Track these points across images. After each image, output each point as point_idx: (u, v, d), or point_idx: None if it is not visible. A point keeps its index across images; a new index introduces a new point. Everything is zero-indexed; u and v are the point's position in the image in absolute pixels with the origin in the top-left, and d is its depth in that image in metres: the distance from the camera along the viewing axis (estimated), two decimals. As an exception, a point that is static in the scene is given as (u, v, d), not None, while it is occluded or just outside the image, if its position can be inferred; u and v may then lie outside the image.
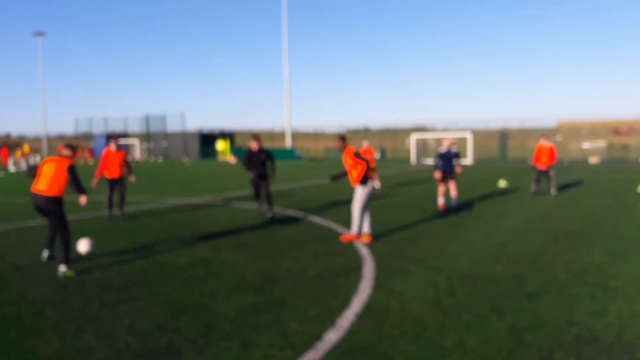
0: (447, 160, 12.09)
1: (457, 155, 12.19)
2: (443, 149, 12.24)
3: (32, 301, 5.31)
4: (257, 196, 11.31)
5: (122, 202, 11.07)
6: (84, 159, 44.12)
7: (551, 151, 14.44)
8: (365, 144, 16.64)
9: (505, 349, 4.00)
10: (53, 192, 6.45)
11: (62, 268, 6.33)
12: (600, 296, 5.27)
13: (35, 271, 6.54)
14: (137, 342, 4.18)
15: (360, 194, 8.09)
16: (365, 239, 8.15)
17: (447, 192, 13.20)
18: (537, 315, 4.72)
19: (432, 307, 5.00)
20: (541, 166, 14.53)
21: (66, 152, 6.91)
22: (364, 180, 8.08)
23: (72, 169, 6.54)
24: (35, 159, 52.04)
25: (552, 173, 14.60)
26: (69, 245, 6.46)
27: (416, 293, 5.45)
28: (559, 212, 11.30)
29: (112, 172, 10.79)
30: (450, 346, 4.05)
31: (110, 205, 10.75)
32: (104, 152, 10.87)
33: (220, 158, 52.13)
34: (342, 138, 8.37)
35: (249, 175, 11.22)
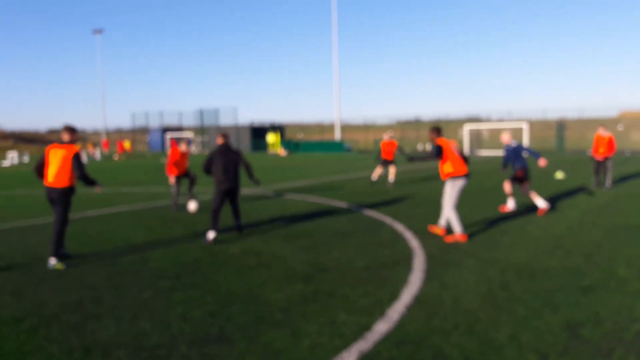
0: (518, 156, 10.17)
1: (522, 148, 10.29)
2: (513, 142, 10.34)
3: (92, 287, 5.57)
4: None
5: (192, 187, 11.39)
6: (118, 155, 44.82)
7: (610, 141, 13.80)
8: (386, 137, 16.08)
9: (560, 344, 3.87)
10: (62, 183, 6.34)
11: (52, 261, 6.31)
12: (666, 293, 4.99)
13: (95, 258, 6.86)
14: (190, 329, 4.32)
15: (449, 189, 7.62)
16: (458, 236, 7.51)
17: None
18: (594, 311, 4.53)
19: (485, 300, 4.89)
20: (599, 157, 13.92)
21: (66, 136, 6.51)
22: (456, 176, 7.53)
23: (77, 157, 6.35)
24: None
25: (609, 164, 13.97)
26: (62, 239, 6.38)
27: (468, 286, 5.34)
28: (618, 205, 10.76)
29: (181, 170, 11.18)
30: (504, 340, 3.96)
31: (176, 199, 11.11)
32: (171, 151, 11.20)
33: (271, 150, 52.93)
34: (436, 129, 7.87)
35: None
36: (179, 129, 64.76)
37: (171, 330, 4.29)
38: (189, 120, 63.01)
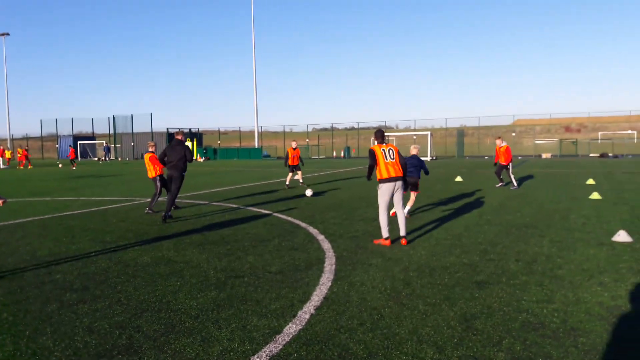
0: (417, 168, 10.46)
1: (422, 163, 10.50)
2: (415, 156, 10.56)
3: (-12, 304, 5.21)
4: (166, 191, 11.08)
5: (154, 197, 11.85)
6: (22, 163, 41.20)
7: (506, 150, 16.08)
8: (293, 144, 17.86)
9: (456, 336, 4.21)
10: None
11: None
12: (548, 284, 5.57)
13: (-10, 274, 6.40)
14: (96, 341, 4.19)
15: (378, 193, 7.81)
16: (382, 240, 7.67)
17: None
18: (487, 304, 4.96)
19: (390, 297, 5.18)
20: (501, 162, 16.19)
21: None
22: (381, 180, 7.65)
23: None
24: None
25: (509, 168, 16.11)
26: None
27: (375, 284, 5.63)
28: (512, 205, 11.76)
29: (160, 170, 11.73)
30: (406, 335, 4.24)
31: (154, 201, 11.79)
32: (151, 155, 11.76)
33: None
34: (375, 134, 7.97)
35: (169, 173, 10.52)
36: (92, 137, 61.57)
37: (75, 345, 4.14)
38: (102, 128, 60.34)
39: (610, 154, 38.77)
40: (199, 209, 12.04)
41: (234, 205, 12.65)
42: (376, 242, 7.81)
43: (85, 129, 62.46)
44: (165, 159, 10.48)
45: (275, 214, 11.00)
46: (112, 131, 58.97)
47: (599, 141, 55.85)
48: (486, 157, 40.18)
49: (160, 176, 11.64)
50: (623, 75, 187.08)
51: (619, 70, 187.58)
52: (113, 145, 57.31)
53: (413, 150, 10.69)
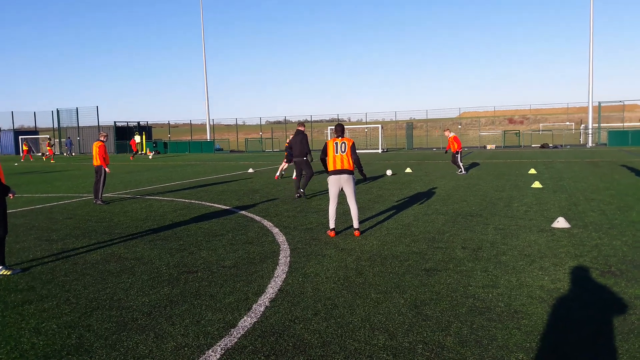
0: None
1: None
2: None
3: None
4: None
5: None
6: None
7: (454, 139, 17.65)
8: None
9: (407, 322, 4.36)
10: None
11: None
12: (492, 270, 5.84)
13: None
14: (43, 342, 4.07)
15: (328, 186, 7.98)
16: (328, 232, 7.93)
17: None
18: (436, 290, 5.16)
19: (343, 287, 5.29)
20: (452, 150, 17.79)
21: None
22: (329, 172, 7.84)
23: None
24: None
25: (457, 156, 17.68)
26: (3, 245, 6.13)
27: (328, 275, 5.73)
28: (459, 195, 12.18)
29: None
30: (359, 323, 4.35)
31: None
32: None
33: (139, 152, 50.30)
34: (335, 128, 8.03)
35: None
36: (34, 130, 58.68)
37: (21, 346, 4.01)
38: (46, 122, 57.62)
39: (551, 145, 40.67)
40: (150, 205, 11.78)
41: (186, 200, 12.46)
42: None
43: (27, 123, 59.20)
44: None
45: (229, 208, 10.92)
46: (56, 125, 56.45)
47: (540, 132, 58.42)
48: (434, 149, 41.24)
49: (101, 167, 12.22)
50: (562, 70, 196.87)
51: (559, 66, 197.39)
52: (70, 139, 54.85)
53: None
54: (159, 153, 49.22)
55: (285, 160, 16.88)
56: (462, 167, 17.68)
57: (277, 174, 17.98)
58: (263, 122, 57.30)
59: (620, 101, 43.26)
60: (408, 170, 19.40)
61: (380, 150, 41.30)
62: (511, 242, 7.13)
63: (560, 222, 8.10)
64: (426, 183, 14.94)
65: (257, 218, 9.58)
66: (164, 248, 7.28)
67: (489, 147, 41.04)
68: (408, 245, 7.10)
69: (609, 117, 61.19)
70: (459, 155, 17.74)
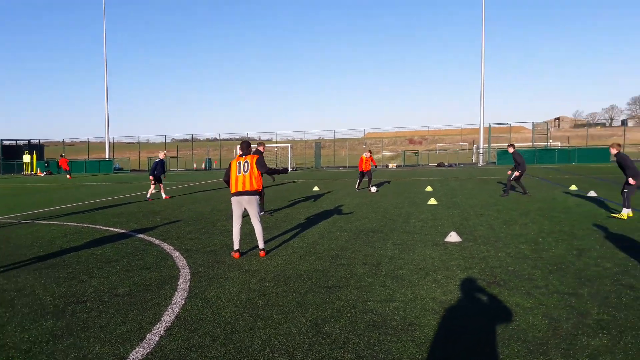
0: None
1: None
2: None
3: None
4: None
5: None
6: None
7: (368, 160, 18.70)
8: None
9: (307, 341, 4.36)
10: None
11: None
12: (390, 284, 6.04)
13: None
14: None
15: None
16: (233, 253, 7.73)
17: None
18: (336, 307, 5.23)
19: (245, 310, 5.19)
20: (364, 170, 18.65)
21: None
22: (231, 194, 7.71)
23: None
24: None
25: (369, 175, 18.74)
26: None
27: (230, 298, 5.59)
28: (362, 212, 12.56)
29: None
30: (259, 346, 4.28)
31: None
32: None
33: (27, 172, 46.41)
34: (241, 144, 7.87)
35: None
36: None
37: None
38: None
39: (446, 164, 43.38)
40: (37, 230, 10.85)
41: (78, 224, 11.64)
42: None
43: None
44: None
45: (125, 232, 10.35)
46: None
47: (437, 152, 62.22)
48: (341, 168, 42.33)
49: None
50: (457, 94, 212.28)
51: (454, 90, 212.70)
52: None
53: None
54: (51, 173, 45.71)
55: (152, 182, 17.43)
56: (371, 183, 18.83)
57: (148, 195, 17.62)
58: (168, 140, 55.34)
59: (508, 123, 47.35)
60: (316, 188, 19.70)
61: (290, 169, 41.60)
62: (408, 257, 7.44)
63: (453, 237, 8.61)
64: (332, 201, 15.24)
65: (157, 241, 9.17)
66: (50, 277, 6.71)
67: (390, 165, 42.89)
68: (312, 263, 7.16)
69: (498, 138, 66.69)
70: (371, 173, 18.83)
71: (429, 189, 18.58)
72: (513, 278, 6.16)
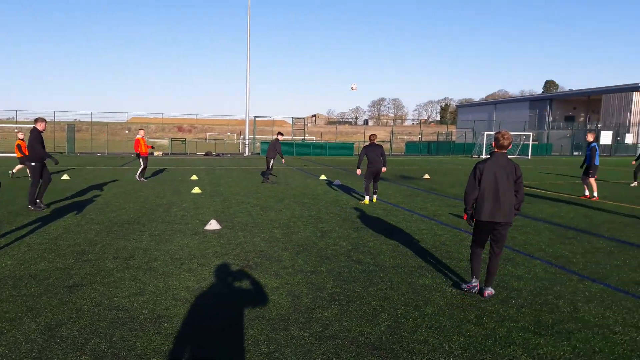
0: None
1: None
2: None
3: None
4: None
5: None
6: None
7: (136, 141, 17.15)
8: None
9: (35, 349, 3.84)
10: None
11: None
12: (142, 277, 5.76)
13: None
14: None
15: None
16: None
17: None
18: (76, 307, 4.74)
19: (-47, 323, 4.29)
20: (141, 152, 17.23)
21: None
22: None
23: None
24: None
25: (145, 162, 17.26)
26: None
27: None
28: (118, 202, 11.72)
29: None
30: (-30, 362, 3.59)
31: None
32: None
33: None
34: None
35: None
36: None
37: None
38: None
39: (214, 153, 43.70)
40: None
41: None
42: None
43: None
44: None
45: None
46: None
47: (207, 141, 62.22)
48: (99, 154, 38.79)
49: None
50: (225, 85, 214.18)
51: (222, 81, 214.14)
52: None
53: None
54: None
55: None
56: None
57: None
58: None
59: (271, 117, 50.12)
60: (65, 177, 17.58)
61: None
62: (164, 247, 7.22)
63: (213, 224, 8.68)
64: (85, 191, 13.81)
65: None
66: None
67: (156, 153, 41.16)
68: (51, 261, 6.34)
69: (263, 130, 70.08)
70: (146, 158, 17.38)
71: (194, 177, 18.40)
72: (264, 261, 6.52)
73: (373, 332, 4.29)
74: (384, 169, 11.92)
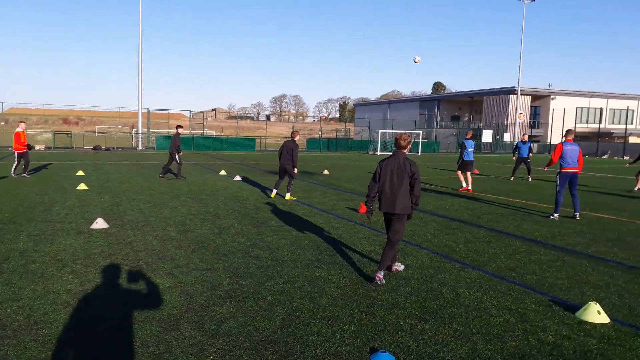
0: None
1: None
2: None
3: None
4: None
5: None
6: None
7: (16, 135, 15.51)
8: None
9: None
10: None
11: None
12: (17, 281, 5.27)
13: None
14: None
15: None
16: None
17: None
18: None
19: None
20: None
21: None
22: None
23: None
24: None
25: (26, 158, 15.75)
26: None
27: None
28: (-8, 200, 10.61)
29: None
30: None
31: None
32: None
33: None
34: None
35: None
36: None
37: None
38: None
39: (103, 147, 41.05)
40: None
41: None
42: None
43: None
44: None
45: None
46: None
47: (96, 134, 58.17)
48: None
49: None
50: (115, 76, 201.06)
51: (111, 71, 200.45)
52: None
53: None
54: None
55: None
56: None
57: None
58: None
59: (167, 110, 48.15)
60: None
61: None
62: (44, 249, 6.66)
63: (99, 223, 8.16)
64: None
65: None
66: None
67: (37, 147, 37.80)
68: None
69: (158, 124, 67.05)
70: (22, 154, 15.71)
71: (80, 173, 17.15)
72: (156, 260, 6.26)
73: (268, 327, 4.30)
74: (295, 170, 12.07)
